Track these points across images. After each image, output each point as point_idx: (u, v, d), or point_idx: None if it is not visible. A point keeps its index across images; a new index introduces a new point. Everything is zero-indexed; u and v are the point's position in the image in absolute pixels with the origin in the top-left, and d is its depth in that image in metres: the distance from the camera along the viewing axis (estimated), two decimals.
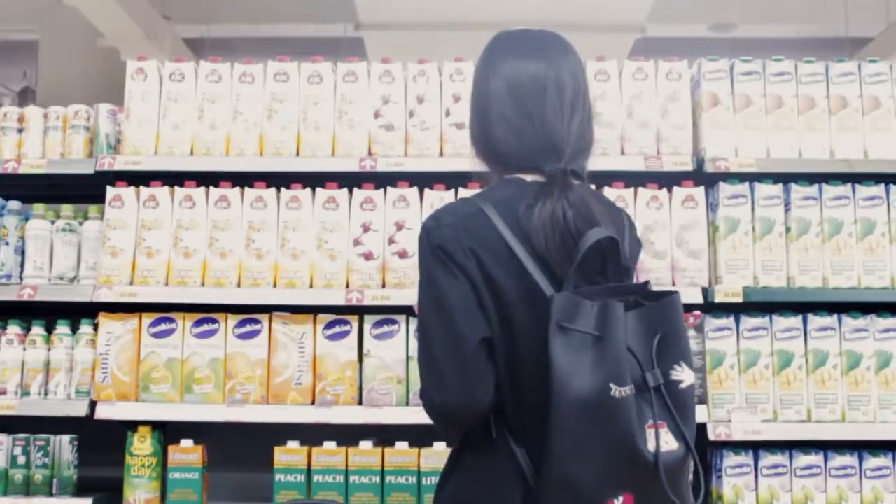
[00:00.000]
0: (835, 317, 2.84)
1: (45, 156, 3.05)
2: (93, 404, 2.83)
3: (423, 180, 2.92)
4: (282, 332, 2.87)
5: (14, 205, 3.04)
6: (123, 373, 2.85)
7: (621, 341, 1.57)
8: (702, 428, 2.63)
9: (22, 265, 3.00)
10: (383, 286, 2.85)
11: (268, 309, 2.89)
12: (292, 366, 2.85)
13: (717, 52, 3.04)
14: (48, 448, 2.88)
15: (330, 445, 2.80)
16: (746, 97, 2.95)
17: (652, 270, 2.81)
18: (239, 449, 2.94)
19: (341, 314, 2.88)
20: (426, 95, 2.98)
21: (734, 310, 2.84)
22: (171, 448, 2.83)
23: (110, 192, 2.94)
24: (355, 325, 2.88)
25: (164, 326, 2.88)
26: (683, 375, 1.62)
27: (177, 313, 2.89)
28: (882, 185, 2.90)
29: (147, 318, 2.88)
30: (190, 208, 2.91)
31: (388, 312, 2.85)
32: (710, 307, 2.83)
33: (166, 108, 3.01)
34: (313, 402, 2.83)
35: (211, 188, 2.93)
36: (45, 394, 2.91)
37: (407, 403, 2.81)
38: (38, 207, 3.05)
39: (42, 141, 3.07)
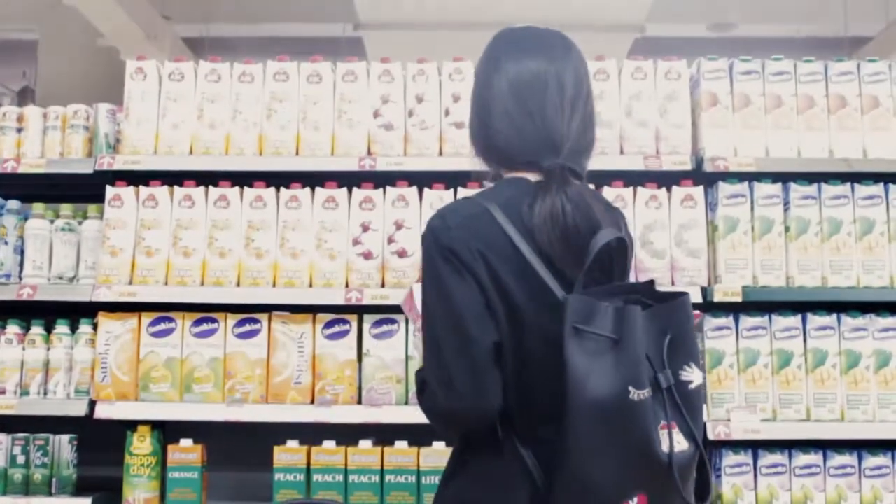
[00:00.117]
0: (834, 316, 2.85)
1: (45, 155, 3.05)
2: (92, 404, 2.83)
3: (422, 180, 2.92)
4: (281, 331, 2.87)
5: (13, 204, 3.04)
6: (123, 372, 2.85)
7: (640, 345, 1.57)
8: None
9: (21, 265, 3.00)
10: (382, 286, 2.85)
11: (267, 308, 2.89)
12: (292, 365, 2.85)
13: (716, 52, 3.04)
14: (47, 447, 2.88)
15: (329, 445, 2.80)
16: (745, 96, 2.95)
17: (651, 270, 2.81)
18: (238, 448, 2.94)
19: (340, 314, 2.88)
20: (425, 95, 2.98)
21: (733, 309, 2.84)
22: (170, 447, 2.83)
23: (109, 191, 2.94)
24: (354, 324, 2.88)
25: (163, 326, 2.88)
26: (693, 376, 1.63)
27: (176, 313, 2.89)
28: (881, 185, 2.90)
29: (146, 318, 2.89)
30: (189, 208, 2.92)
31: (387, 312, 2.85)
32: (710, 306, 2.83)
33: (166, 107, 3.01)
34: (313, 402, 2.83)
35: (210, 188, 2.93)
36: (45, 393, 2.91)
37: (406, 403, 2.81)
38: (38, 207, 3.05)
39: (41, 140, 3.07)
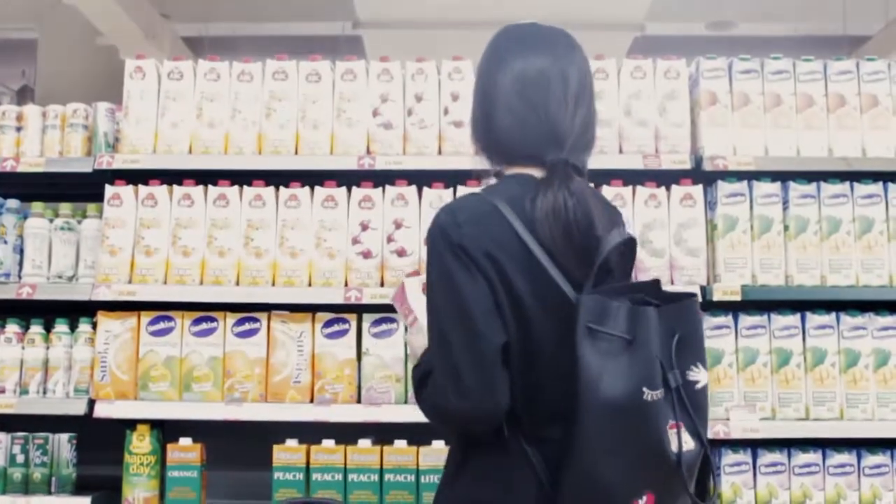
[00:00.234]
0: (833, 315, 2.85)
1: (44, 154, 3.05)
2: (91, 403, 2.83)
3: (421, 179, 2.92)
4: (280, 330, 2.87)
5: (12, 203, 3.04)
6: (122, 371, 2.85)
7: (654, 345, 1.58)
8: None
9: (20, 264, 3.00)
10: (382, 285, 2.85)
11: (266, 307, 2.89)
12: (291, 364, 2.85)
13: (715, 51, 3.05)
14: (47, 446, 2.88)
15: (329, 444, 2.80)
16: (745, 95, 2.95)
17: (650, 269, 2.81)
18: (238, 447, 2.94)
19: (340, 313, 2.88)
20: (425, 94, 2.98)
21: (732, 308, 2.84)
22: (169, 446, 2.83)
23: (109, 190, 2.94)
24: (354, 323, 2.88)
25: (162, 325, 2.88)
26: (700, 376, 1.64)
27: (175, 312, 2.89)
28: (880, 184, 2.90)
29: (146, 317, 2.89)
30: (188, 207, 2.92)
31: (386, 311, 2.85)
32: (709, 305, 2.83)
33: (165, 106, 3.00)
34: (312, 401, 2.83)
35: (209, 187, 2.93)
36: (44, 392, 2.91)
37: (406, 402, 2.81)
38: (37, 206, 3.05)
39: (40, 139, 3.07)
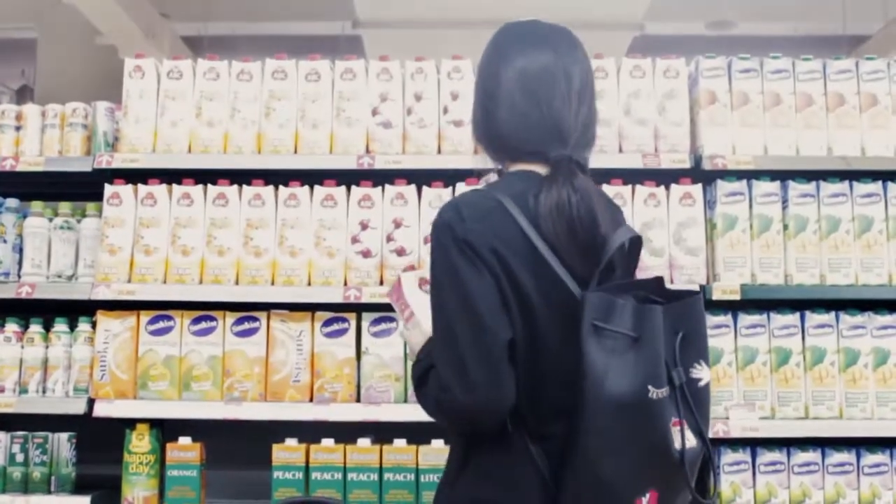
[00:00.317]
0: (832, 314, 2.85)
1: (43, 153, 3.04)
2: (91, 402, 2.83)
3: (420, 178, 2.92)
4: (280, 329, 2.87)
5: (12, 202, 3.04)
6: (121, 370, 2.85)
7: (659, 343, 1.58)
8: None
9: (20, 263, 3.00)
10: (381, 284, 2.85)
11: (266, 306, 2.90)
12: (290, 363, 2.85)
13: (714, 50, 3.05)
14: (46, 446, 2.88)
15: (328, 443, 2.80)
16: (744, 94, 2.95)
17: (650, 268, 2.81)
18: (237, 446, 2.94)
19: (339, 312, 2.88)
20: (424, 93, 2.98)
21: (732, 307, 2.84)
22: (169, 446, 2.83)
23: (108, 189, 2.94)
24: (353, 322, 2.88)
25: (162, 324, 2.88)
26: (703, 374, 1.65)
27: (175, 311, 2.89)
28: (879, 183, 2.91)
29: (145, 316, 2.89)
30: (188, 206, 2.92)
31: (386, 310, 2.85)
32: (708, 304, 2.81)
33: (164, 105, 3.00)
34: (311, 400, 2.83)
35: (209, 186, 2.93)
36: (44, 391, 2.91)
37: (405, 401, 2.81)
38: (36, 205, 3.05)
39: (40, 139, 3.07)
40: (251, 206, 2.91)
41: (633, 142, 2.94)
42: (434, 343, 1.70)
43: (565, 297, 1.64)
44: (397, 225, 2.89)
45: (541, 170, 1.75)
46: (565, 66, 1.76)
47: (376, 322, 2.87)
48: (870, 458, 2.78)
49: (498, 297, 1.63)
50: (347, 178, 2.94)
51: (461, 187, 2.85)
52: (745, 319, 2.84)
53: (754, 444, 2.78)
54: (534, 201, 1.67)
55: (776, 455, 2.77)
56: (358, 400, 2.84)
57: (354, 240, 2.88)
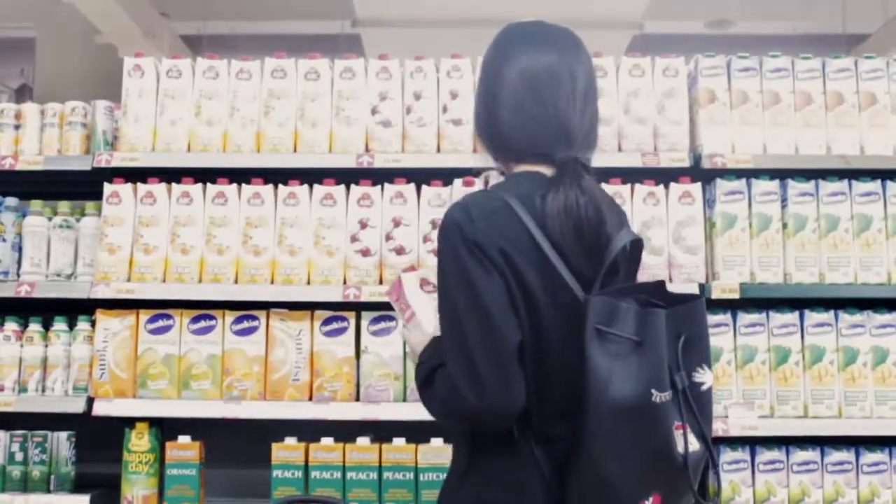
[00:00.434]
0: (831, 313, 2.85)
1: (42, 152, 3.04)
2: (90, 401, 2.83)
3: (420, 177, 2.92)
4: (279, 328, 2.87)
5: (11, 201, 3.04)
6: (121, 369, 2.85)
7: (662, 348, 1.58)
8: None
9: (19, 262, 3.00)
10: (380, 282, 2.85)
11: (265, 305, 2.89)
12: (290, 362, 2.85)
13: (714, 49, 3.04)
14: (46, 444, 2.88)
15: (327, 441, 2.80)
16: (743, 93, 2.95)
17: (649, 267, 2.81)
18: (236, 445, 2.94)
19: (338, 310, 2.88)
20: (423, 92, 2.98)
21: (731, 306, 2.85)
22: (168, 444, 2.83)
23: (107, 188, 2.94)
24: (352, 321, 2.88)
25: (161, 323, 2.88)
26: (705, 377, 1.65)
27: (174, 310, 2.89)
28: (878, 182, 2.91)
29: (144, 315, 2.89)
30: (187, 205, 2.92)
31: (385, 309, 2.85)
32: (707, 303, 2.79)
33: (163, 104, 3.00)
34: (311, 399, 2.83)
35: (208, 185, 2.93)
36: (43, 390, 2.91)
37: (404, 400, 2.81)
38: (36, 204, 3.05)
39: (39, 138, 3.07)
40: (250, 204, 2.91)
41: (632, 140, 2.94)
42: (443, 344, 1.69)
43: (569, 299, 1.64)
44: (396, 224, 2.89)
45: (546, 171, 1.75)
46: (570, 67, 1.76)
47: (375, 321, 2.87)
48: (869, 457, 2.78)
49: (507, 297, 1.63)
50: (347, 176, 2.94)
51: (460, 186, 2.85)
52: (745, 318, 2.84)
53: (753, 443, 2.78)
54: (540, 202, 1.67)
55: (775, 454, 2.78)
56: (357, 399, 2.84)
57: (354, 238, 2.88)
